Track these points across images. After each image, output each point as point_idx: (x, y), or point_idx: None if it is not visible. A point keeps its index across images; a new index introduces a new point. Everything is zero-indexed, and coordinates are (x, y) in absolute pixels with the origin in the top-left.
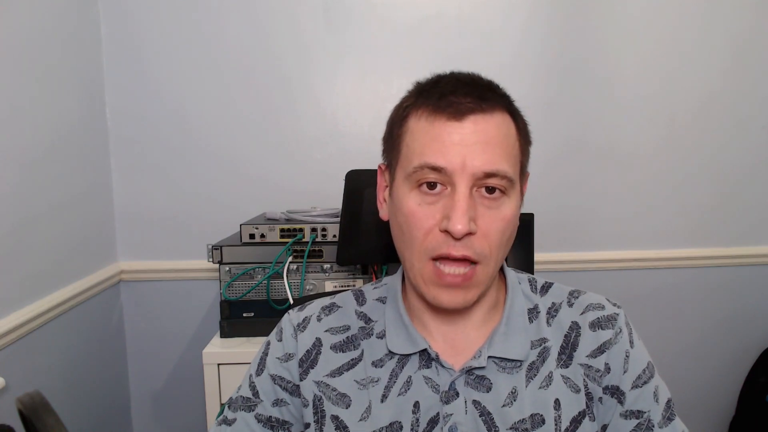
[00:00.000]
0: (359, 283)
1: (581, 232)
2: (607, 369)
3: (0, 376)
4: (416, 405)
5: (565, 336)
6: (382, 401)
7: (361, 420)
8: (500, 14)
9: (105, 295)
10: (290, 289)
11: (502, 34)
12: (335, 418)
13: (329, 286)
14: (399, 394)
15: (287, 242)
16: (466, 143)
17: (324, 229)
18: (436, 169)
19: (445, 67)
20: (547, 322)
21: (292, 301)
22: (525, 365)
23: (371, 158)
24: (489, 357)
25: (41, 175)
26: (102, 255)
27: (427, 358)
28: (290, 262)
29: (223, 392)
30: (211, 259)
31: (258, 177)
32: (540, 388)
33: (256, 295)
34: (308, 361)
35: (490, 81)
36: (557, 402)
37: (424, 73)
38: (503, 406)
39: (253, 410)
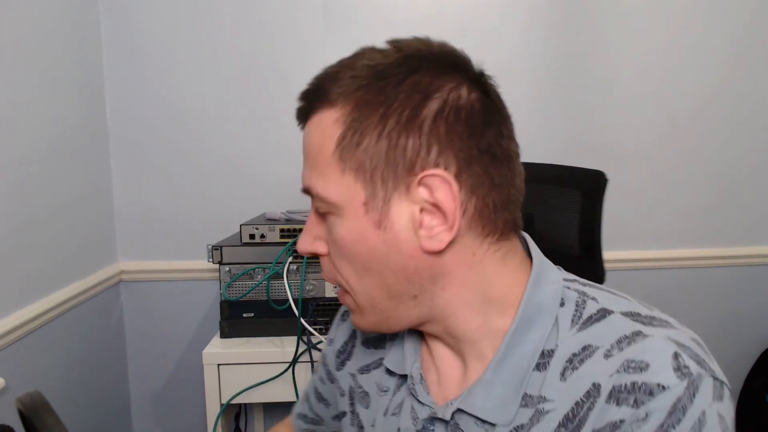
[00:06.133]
0: None
1: None
2: None
3: (0, 376)
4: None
5: (577, 404)
6: (384, 414)
7: (372, 426)
8: (500, 14)
9: (105, 295)
10: (290, 289)
11: (502, 34)
12: (358, 414)
13: (329, 287)
14: (393, 414)
15: (287, 242)
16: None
17: None
18: None
19: None
20: (562, 375)
21: (292, 302)
22: (507, 428)
23: None
24: (459, 409)
25: (41, 175)
26: (102, 255)
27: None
28: (290, 263)
29: (223, 392)
30: (211, 260)
31: (258, 177)
32: None
33: (256, 295)
34: (345, 353)
35: (328, 73)
36: None
37: None
38: None
39: (315, 374)
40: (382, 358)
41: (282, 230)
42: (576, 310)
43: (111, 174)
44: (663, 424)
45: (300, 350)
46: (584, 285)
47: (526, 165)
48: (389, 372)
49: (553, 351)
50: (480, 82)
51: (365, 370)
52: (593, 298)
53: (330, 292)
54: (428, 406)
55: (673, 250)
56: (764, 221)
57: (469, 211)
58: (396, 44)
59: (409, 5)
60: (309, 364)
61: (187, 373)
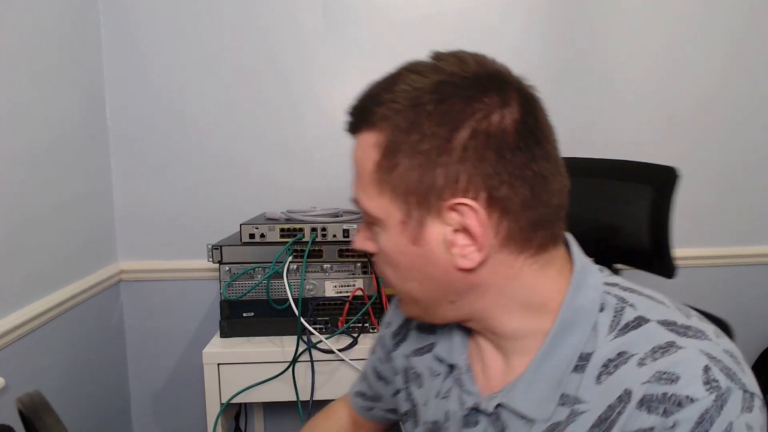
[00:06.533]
0: (359, 282)
1: None
2: None
3: (0, 376)
4: (447, 415)
5: (609, 407)
6: (436, 396)
7: (425, 404)
8: (500, 14)
9: (105, 295)
10: (290, 289)
11: (502, 33)
12: (411, 393)
13: (329, 287)
14: (443, 397)
15: (287, 242)
16: None
17: (324, 229)
18: None
19: None
20: (597, 379)
21: (292, 301)
22: (545, 425)
23: None
24: (499, 405)
25: (41, 175)
26: (102, 255)
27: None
28: (290, 262)
29: (223, 392)
30: (211, 259)
31: (258, 177)
32: None
33: (256, 295)
34: (400, 336)
35: (371, 93)
36: None
37: None
38: None
39: (373, 354)
40: (433, 344)
41: (282, 230)
42: (614, 317)
43: (111, 174)
44: None
45: (300, 350)
46: (624, 290)
47: (598, 161)
48: (439, 359)
49: (590, 355)
50: (519, 99)
51: (418, 353)
52: (632, 305)
53: (330, 291)
54: (473, 395)
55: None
56: (764, 221)
57: (501, 233)
58: (435, 61)
59: (409, 5)
60: (309, 364)
61: (187, 372)
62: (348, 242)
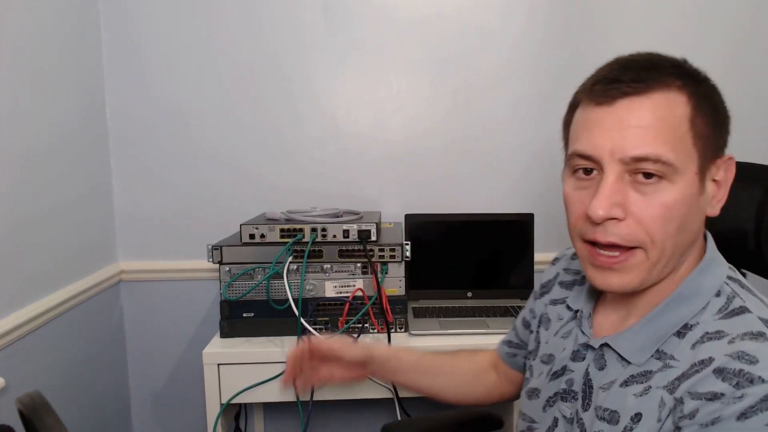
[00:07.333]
0: (359, 283)
1: None
2: (691, 416)
3: (0, 376)
4: (562, 350)
5: (691, 365)
6: (555, 334)
7: (546, 342)
8: (500, 14)
9: (105, 295)
10: (290, 289)
11: (502, 33)
12: (539, 333)
13: (329, 287)
14: (562, 336)
15: (287, 242)
16: (615, 128)
17: (324, 230)
18: (584, 156)
19: (444, 67)
20: (693, 346)
21: (292, 301)
22: (638, 369)
23: (371, 158)
24: (605, 344)
25: (41, 175)
26: (102, 255)
27: (582, 317)
28: (290, 262)
29: (223, 392)
30: (211, 259)
31: (258, 177)
32: (634, 393)
33: (256, 295)
34: (546, 287)
35: (658, 58)
36: (638, 416)
37: (424, 73)
38: (600, 387)
39: (524, 308)
40: (566, 297)
41: (282, 230)
42: (725, 303)
43: (111, 174)
44: (753, 406)
45: None
46: (742, 287)
47: None
48: (568, 307)
49: (693, 326)
50: None
51: (554, 302)
52: (742, 299)
53: (330, 292)
54: (587, 336)
55: None
56: None
57: None
58: (655, 55)
59: (409, 4)
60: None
61: (187, 373)
62: (348, 243)
